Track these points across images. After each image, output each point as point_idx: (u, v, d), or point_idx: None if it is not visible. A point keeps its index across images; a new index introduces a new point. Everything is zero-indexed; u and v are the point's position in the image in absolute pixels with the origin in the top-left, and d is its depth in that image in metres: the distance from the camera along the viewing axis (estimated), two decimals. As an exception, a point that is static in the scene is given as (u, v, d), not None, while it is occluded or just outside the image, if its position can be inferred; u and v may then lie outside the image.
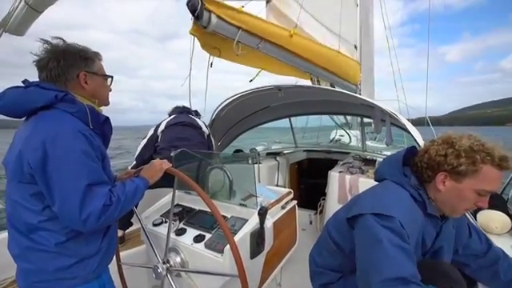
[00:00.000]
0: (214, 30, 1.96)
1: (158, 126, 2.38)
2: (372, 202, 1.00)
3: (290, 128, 4.42)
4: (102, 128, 1.08)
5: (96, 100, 1.11)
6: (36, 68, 1.00)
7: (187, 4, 1.83)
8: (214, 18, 1.90)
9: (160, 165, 1.25)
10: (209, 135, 2.56)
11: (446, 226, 1.11)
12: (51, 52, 0.99)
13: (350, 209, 1.09)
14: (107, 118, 1.10)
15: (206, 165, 1.76)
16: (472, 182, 0.95)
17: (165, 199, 1.79)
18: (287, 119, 4.28)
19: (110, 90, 1.18)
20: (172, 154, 1.70)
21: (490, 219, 1.56)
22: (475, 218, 1.57)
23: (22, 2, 1.85)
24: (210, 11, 1.87)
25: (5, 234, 1.78)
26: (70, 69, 1.01)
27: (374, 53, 3.76)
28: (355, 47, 3.46)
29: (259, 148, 4.53)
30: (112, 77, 1.17)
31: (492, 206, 1.61)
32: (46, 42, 1.00)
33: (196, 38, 2.04)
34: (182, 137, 2.29)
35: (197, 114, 2.64)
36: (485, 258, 1.17)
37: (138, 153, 2.34)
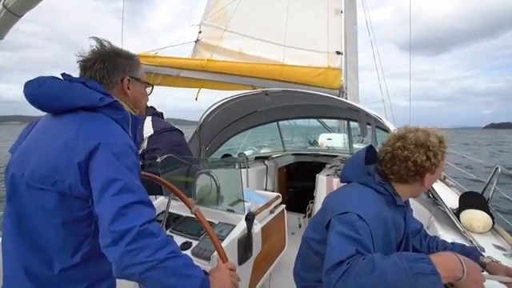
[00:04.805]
0: None
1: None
2: (337, 206, 1.01)
3: (277, 129, 4.45)
4: (135, 138, 1.00)
5: (137, 110, 1.05)
6: (79, 67, 0.93)
7: None
8: None
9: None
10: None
11: (407, 210, 1.16)
12: (98, 53, 0.93)
13: (324, 216, 1.08)
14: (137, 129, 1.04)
15: (193, 170, 1.74)
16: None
17: None
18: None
19: (147, 100, 1.12)
20: (158, 160, 1.66)
21: (473, 218, 1.60)
22: (458, 218, 1.61)
23: (0, 6, 1.80)
24: None
25: None
26: (115, 72, 0.94)
27: (357, 58, 3.86)
28: (337, 53, 3.53)
29: (248, 152, 4.53)
30: (152, 85, 1.11)
31: (474, 206, 1.66)
32: (99, 40, 0.93)
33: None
34: (178, 142, 2.23)
35: (162, 116, 2.55)
36: (420, 234, 1.27)
37: None
